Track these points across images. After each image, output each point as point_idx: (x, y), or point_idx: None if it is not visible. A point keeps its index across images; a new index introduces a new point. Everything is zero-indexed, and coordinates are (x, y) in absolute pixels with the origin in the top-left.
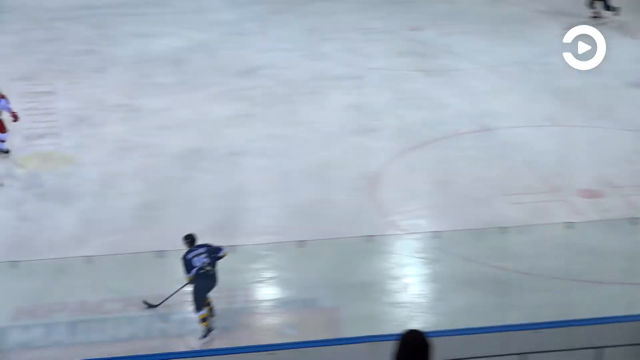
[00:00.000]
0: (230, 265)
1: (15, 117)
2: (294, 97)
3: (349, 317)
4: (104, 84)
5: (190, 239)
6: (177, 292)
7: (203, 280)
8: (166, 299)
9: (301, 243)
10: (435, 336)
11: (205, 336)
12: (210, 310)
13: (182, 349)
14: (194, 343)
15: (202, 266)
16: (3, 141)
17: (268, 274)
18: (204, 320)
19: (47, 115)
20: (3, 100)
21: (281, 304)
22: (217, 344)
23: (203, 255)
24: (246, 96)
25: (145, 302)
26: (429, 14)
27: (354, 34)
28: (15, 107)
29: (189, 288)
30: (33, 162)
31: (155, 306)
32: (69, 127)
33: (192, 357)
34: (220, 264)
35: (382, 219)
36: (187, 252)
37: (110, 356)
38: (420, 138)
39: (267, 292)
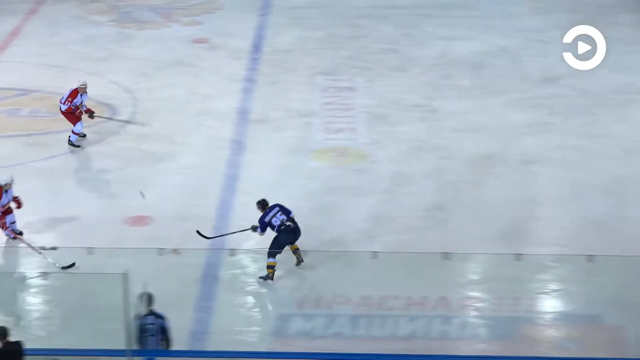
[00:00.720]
0: (515, 274)
1: (90, 113)
2: (594, 108)
3: (635, 338)
4: (403, 84)
5: (263, 203)
6: (236, 233)
7: (285, 235)
8: (223, 235)
9: (590, 257)
10: None
11: (264, 279)
12: (298, 258)
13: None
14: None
15: (282, 222)
16: (76, 134)
17: (553, 286)
18: (270, 267)
19: (345, 111)
20: (85, 96)
21: (563, 317)
22: (494, 351)
23: (279, 214)
24: (545, 104)
25: (199, 232)
26: None
27: None
28: (315, 101)
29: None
30: (328, 156)
31: (209, 238)
32: (366, 123)
33: None
34: (505, 272)
35: None
36: (264, 215)
37: (388, 353)
38: None
39: (550, 303)
